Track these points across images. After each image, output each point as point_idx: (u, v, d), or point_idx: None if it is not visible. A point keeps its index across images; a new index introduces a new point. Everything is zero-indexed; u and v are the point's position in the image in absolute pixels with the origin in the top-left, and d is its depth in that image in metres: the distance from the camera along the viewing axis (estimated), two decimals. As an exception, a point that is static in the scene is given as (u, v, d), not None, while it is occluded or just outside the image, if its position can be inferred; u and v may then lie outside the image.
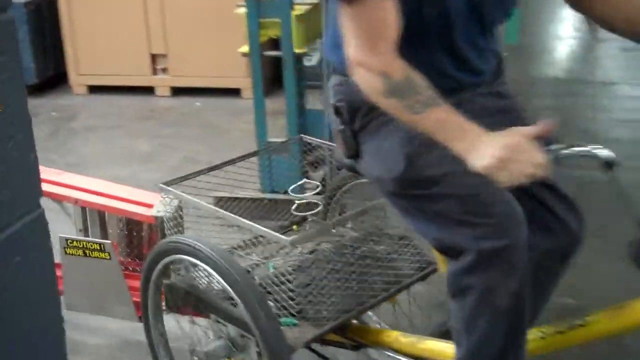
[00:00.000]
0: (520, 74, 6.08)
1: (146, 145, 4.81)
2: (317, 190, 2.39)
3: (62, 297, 2.42)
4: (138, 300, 2.32)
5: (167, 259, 2.08)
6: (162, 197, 2.31)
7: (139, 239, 2.53)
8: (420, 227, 1.79)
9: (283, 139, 3.67)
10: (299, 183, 2.46)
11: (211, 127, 5.12)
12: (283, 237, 1.95)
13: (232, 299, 1.95)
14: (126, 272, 2.45)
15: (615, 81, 5.97)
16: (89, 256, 2.35)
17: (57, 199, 2.53)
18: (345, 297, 2.09)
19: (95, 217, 2.50)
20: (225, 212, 2.09)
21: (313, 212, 2.33)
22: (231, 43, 4.40)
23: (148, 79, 5.78)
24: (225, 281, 1.91)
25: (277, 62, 3.92)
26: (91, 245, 2.34)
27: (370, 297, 2.13)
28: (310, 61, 4.07)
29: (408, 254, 2.29)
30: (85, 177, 2.65)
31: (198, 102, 5.62)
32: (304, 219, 2.39)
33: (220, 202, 3.53)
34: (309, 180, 2.41)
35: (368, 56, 1.58)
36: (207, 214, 2.22)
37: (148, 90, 5.78)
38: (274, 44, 3.74)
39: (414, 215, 1.78)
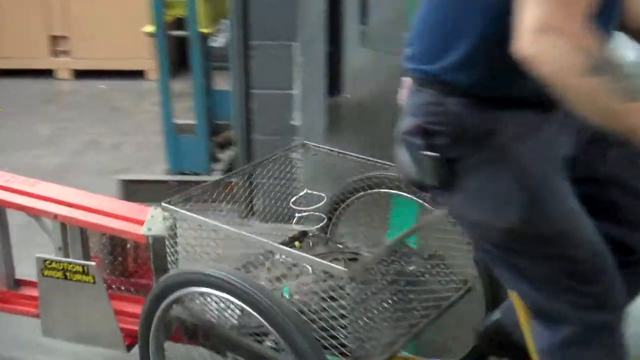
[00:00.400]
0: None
1: (48, 129, 4.66)
2: (323, 202, 2.19)
3: (39, 322, 2.22)
4: (125, 326, 2.11)
5: (182, 291, 1.80)
6: (152, 213, 2.09)
7: (123, 255, 2.29)
8: (516, 284, 1.59)
9: (190, 121, 3.64)
10: (301, 194, 2.19)
11: (116, 110, 5.01)
12: (339, 267, 1.65)
13: (257, 334, 1.75)
14: (109, 291, 2.20)
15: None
16: (70, 279, 2.09)
17: (34, 213, 2.23)
18: (386, 327, 1.84)
19: (76, 233, 2.21)
20: (252, 235, 1.83)
21: (316, 227, 2.15)
22: (135, 23, 4.30)
23: (48, 61, 5.60)
24: (267, 320, 1.64)
25: (182, 43, 3.87)
26: (73, 267, 2.09)
27: (410, 326, 1.88)
28: (217, 42, 4.03)
29: (441, 273, 2.05)
30: (63, 187, 2.34)
31: (102, 84, 5.48)
32: (304, 233, 2.18)
33: (127, 185, 3.47)
34: (310, 192, 2.21)
35: (565, 22, 1.26)
36: (217, 235, 1.95)
37: (48, 74, 5.60)
38: (179, 23, 3.69)
39: (511, 270, 1.58)
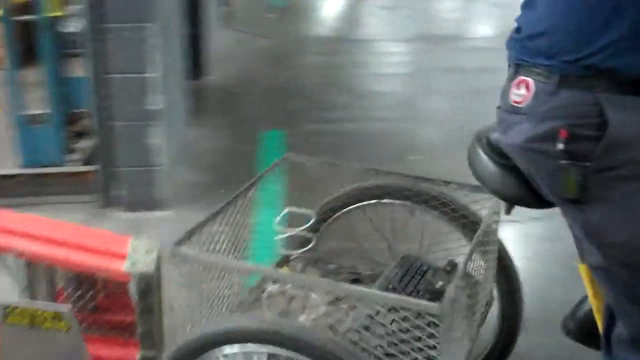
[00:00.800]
0: (290, 34, 6.21)
1: None
2: (312, 222, 1.93)
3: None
4: None
5: (228, 350, 1.50)
6: (133, 246, 1.85)
7: (93, 289, 2.01)
8: (636, 310, 1.46)
9: (42, 111, 3.47)
10: (283, 213, 1.91)
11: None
12: (431, 304, 1.43)
13: None
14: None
15: (374, 38, 6.28)
16: (40, 326, 1.78)
17: None
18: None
19: (42, 270, 1.92)
20: (293, 274, 1.66)
21: (303, 250, 1.91)
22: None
23: None
24: None
25: (32, 29, 3.67)
26: (42, 313, 1.76)
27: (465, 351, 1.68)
28: (69, 26, 3.84)
29: (469, 287, 1.82)
30: (25, 216, 2.01)
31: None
32: (288, 258, 1.95)
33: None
34: (294, 209, 1.96)
35: None
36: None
37: None
38: (26, 7, 3.49)
39: (637, 295, 1.44)
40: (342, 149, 3.89)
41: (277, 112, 4.48)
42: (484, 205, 1.86)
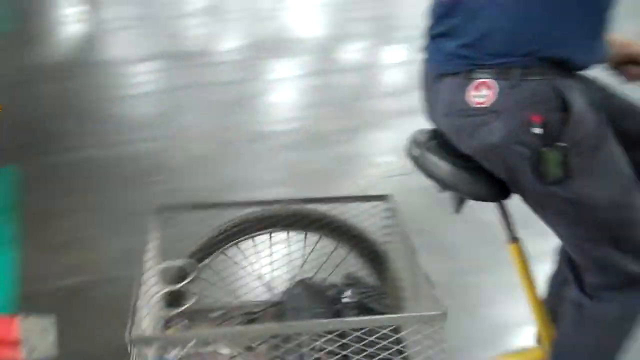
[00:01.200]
0: (21, 61, 5.71)
1: None
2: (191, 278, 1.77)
3: None
4: None
5: None
6: (26, 327, 1.54)
7: None
8: (602, 252, 1.64)
9: None
10: (159, 269, 1.75)
11: None
12: (439, 312, 1.49)
13: None
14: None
15: (114, 60, 5.97)
16: None
17: None
18: None
19: None
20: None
21: (190, 303, 1.74)
22: None
23: None
24: None
25: None
26: None
27: None
28: None
29: (377, 297, 1.83)
30: None
31: None
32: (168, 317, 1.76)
33: None
34: (169, 263, 1.78)
35: None
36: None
37: None
38: None
39: (620, 247, 1.63)
40: (86, 177, 3.70)
41: (5, 149, 4.00)
42: (373, 213, 1.89)
